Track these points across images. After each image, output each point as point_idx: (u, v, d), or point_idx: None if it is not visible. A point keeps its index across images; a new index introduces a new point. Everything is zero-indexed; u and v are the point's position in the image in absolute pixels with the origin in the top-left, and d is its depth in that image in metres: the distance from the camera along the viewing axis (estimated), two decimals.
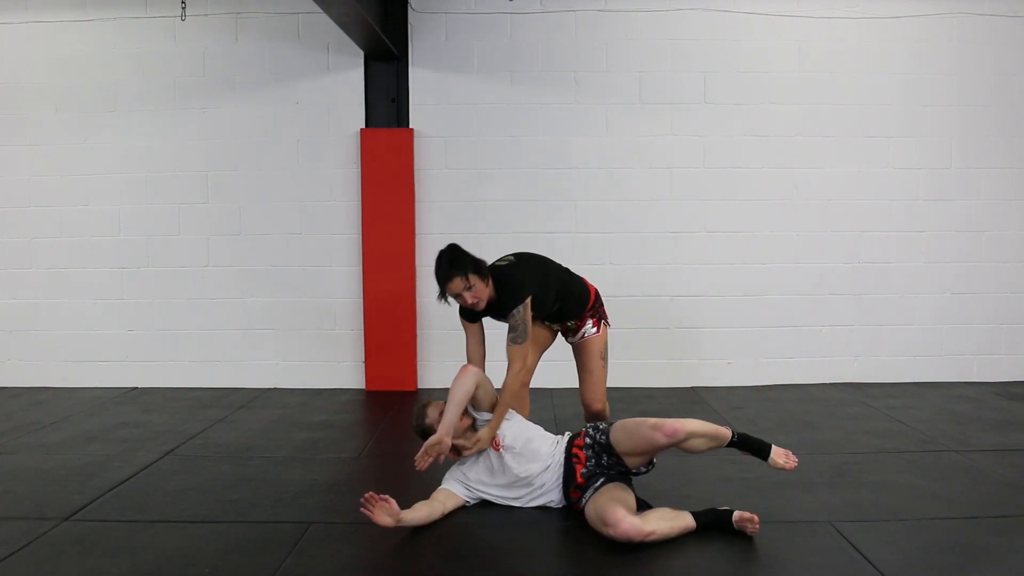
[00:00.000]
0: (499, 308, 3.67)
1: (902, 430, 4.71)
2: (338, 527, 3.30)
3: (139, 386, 6.07)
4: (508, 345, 3.59)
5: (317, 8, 5.16)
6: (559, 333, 4.08)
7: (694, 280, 5.98)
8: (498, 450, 3.42)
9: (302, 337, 6.04)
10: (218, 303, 6.05)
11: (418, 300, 5.95)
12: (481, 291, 3.58)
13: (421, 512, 3.25)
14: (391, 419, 5.16)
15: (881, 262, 6.00)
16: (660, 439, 3.16)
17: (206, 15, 5.96)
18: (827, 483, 3.73)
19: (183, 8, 5.64)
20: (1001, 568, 2.87)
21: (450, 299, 3.67)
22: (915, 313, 6.03)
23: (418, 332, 5.97)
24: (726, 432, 3.28)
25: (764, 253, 5.99)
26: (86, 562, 2.96)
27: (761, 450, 3.32)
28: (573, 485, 3.35)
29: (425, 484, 3.91)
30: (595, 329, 3.94)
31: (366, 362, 5.95)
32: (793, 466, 3.32)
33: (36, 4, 6.03)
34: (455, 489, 3.46)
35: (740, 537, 3.14)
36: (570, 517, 3.37)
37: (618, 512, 3.04)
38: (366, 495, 3.07)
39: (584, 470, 3.33)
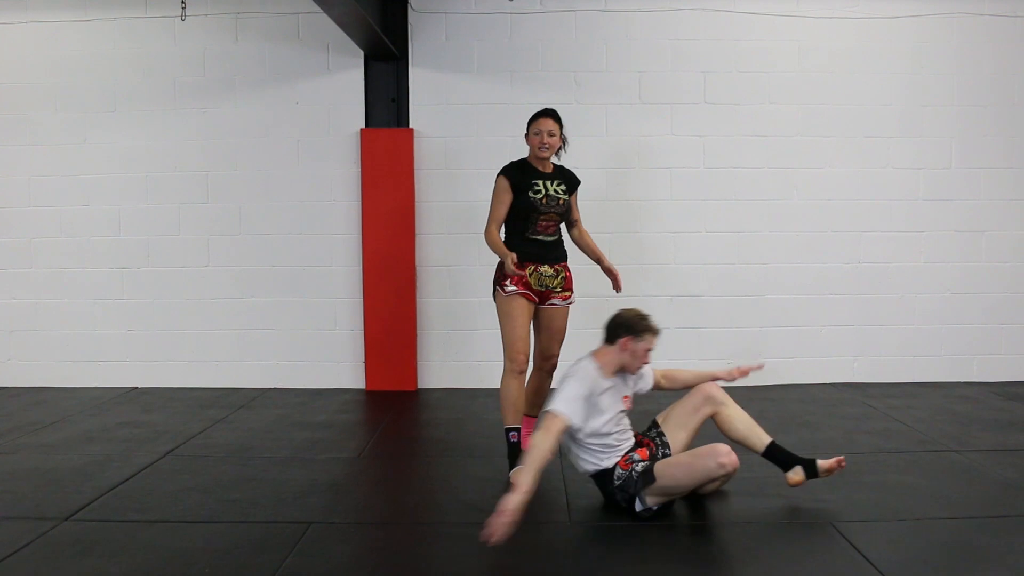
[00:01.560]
0: (559, 177, 4.11)
1: (902, 430, 4.71)
2: (338, 527, 3.31)
3: (139, 386, 6.07)
4: (575, 210, 4.27)
5: (317, 8, 5.16)
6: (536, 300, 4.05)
7: (694, 280, 5.98)
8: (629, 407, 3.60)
9: (302, 337, 6.04)
10: (218, 303, 6.05)
11: (418, 300, 5.95)
12: (557, 143, 4.05)
13: (537, 467, 3.09)
14: (391, 419, 5.17)
15: (881, 262, 6.00)
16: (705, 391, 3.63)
17: (206, 15, 5.96)
18: (827, 483, 3.72)
19: (183, 8, 5.63)
20: (1001, 568, 2.87)
21: (530, 134, 4.03)
22: (915, 313, 6.02)
23: (418, 332, 5.97)
24: (763, 437, 3.59)
25: (764, 253, 5.99)
26: (86, 562, 2.96)
27: (798, 464, 3.55)
28: (641, 446, 3.54)
29: (425, 484, 3.93)
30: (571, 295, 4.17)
31: (366, 362, 5.95)
32: (839, 465, 3.53)
33: (36, 4, 6.03)
34: (573, 409, 3.29)
35: (740, 537, 3.14)
36: (572, 519, 3.37)
37: (723, 445, 3.27)
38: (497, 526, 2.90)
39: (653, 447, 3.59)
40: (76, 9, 6.01)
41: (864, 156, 5.97)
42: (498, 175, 4.04)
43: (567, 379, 3.43)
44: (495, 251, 3.98)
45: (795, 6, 5.94)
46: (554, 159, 4.16)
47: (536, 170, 4.06)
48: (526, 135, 4.08)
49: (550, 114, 4.04)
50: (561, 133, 4.06)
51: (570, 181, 4.18)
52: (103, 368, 6.09)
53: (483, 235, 4.03)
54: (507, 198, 4.00)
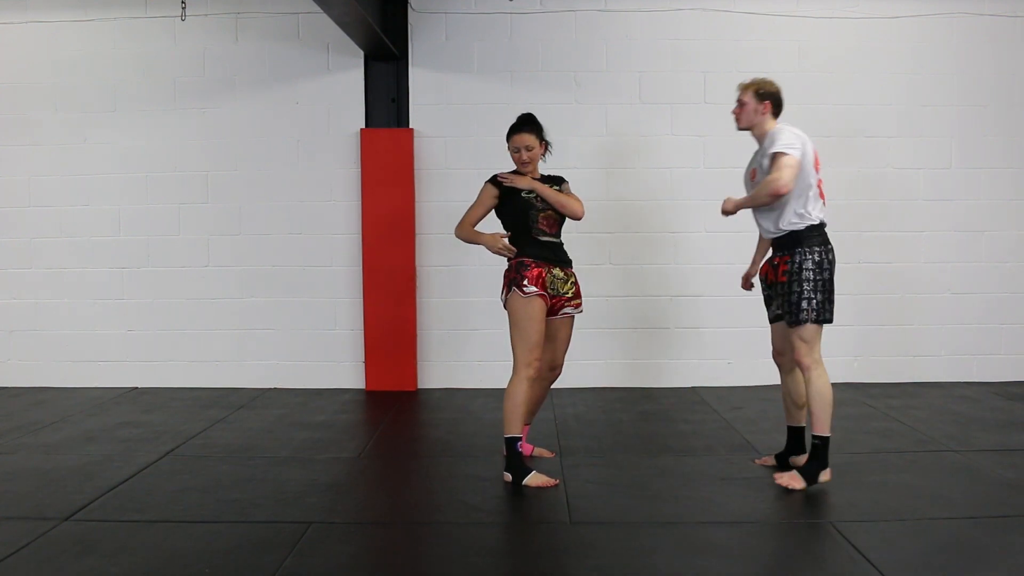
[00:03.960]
0: (547, 183, 4.02)
1: (902, 430, 4.71)
2: (338, 527, 3.30)
3: (139, 386, 6.07)
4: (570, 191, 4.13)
5: (317, 8, 5.16)
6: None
7: (694, 280, 5.98)
8: None
9: (302, 337, 6.04)
10: (218, 303, 6.05)
11: (418, 300, 5.95)
12: (536, 156, 4.01)
13: None
14: (391, 419, 5.17)
15: (881, 262, 6.00)
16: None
17: (206, 15, 5.96)
18: (827, 483, 3.72)
19: (183, 8, 5.63)
20: (1001, 568, 2.87)
21: (510, 150, 4.02)
22: (915, 313, 6.02)
23: (418, 332, 5.97)
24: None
25: None
26: (86, 562, 2.96)
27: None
28: None
29: (425, 484, 3.93)
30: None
31: (366, 362, 5.95)
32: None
33: (36, 4, 6.03)
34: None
35: (740, 537, 3.14)
36: (572, 519, 3.37)
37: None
38: None
39: None
40: (76, 9, 6.01)
41: (864, 156, 5.96)
42: (486, 182, 4.04)
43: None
44: (471, 240, 4.01)
45: (795, 6, 5.94)
46: (542, 167, 4.12)
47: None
48: (508, 149, 4.05)
49: (524, 127, 3.98)
50: (542, 138, 4.01)
51: (557, 182, 4.10)
52: (103, 368, 6.09)
53: (454, 235, 4.06)
54: (488, 204, 4.01)
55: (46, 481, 3.87)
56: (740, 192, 6.02)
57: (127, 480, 3.89)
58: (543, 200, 3.95)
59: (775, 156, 3.65)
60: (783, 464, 3.96)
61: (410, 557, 3.06)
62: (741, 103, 3.94)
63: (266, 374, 6.05)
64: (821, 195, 3.79)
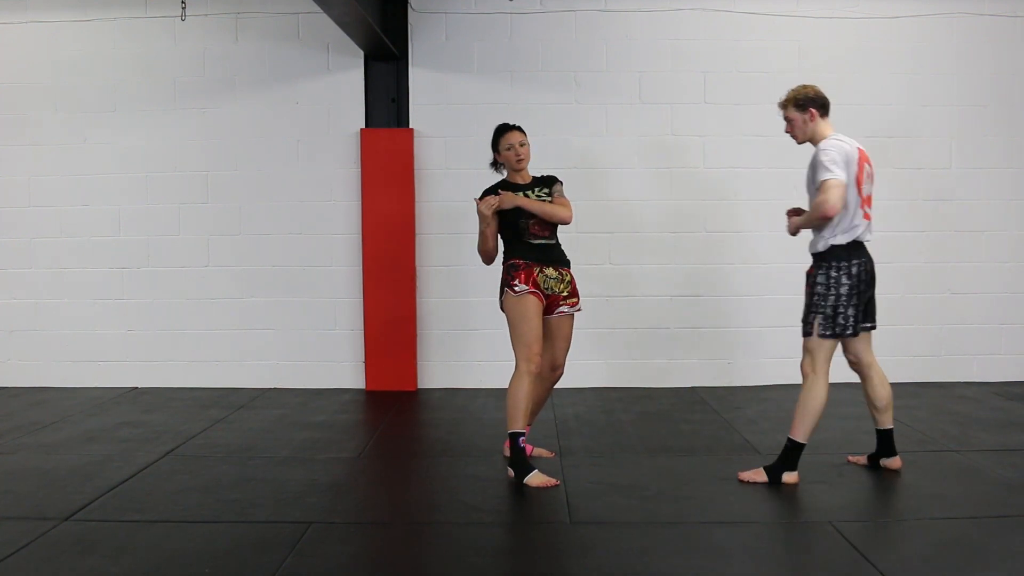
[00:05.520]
0: (538, 185, 4.08)
1: (902, 430, 4.69)
2: (338, 527, 3.30)
3: (139, 386, 6.07)
4: (562, 198, 4.08)
5: (317, 8, 5.16)
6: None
7: (694, 280, 5.98)
8: None
9: (302, 337, 6.04)
10: (218, 303, 6.05)
11: (418, 300, 5.95)
12: (528, 152, 4.09)
13: None
14: (391, 419, 5.17)
15: (882, 262, 5.92)
16: None
17: (206, 15, 5.96)
18: (827, 483, 3.73)
19: (183, 8, 5.63)
20: (1001, 568, 2.87)
21: (502, 151, 4.09)
22: (915, 313, 6.02)
23: (418, 332, 5.97)
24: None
25: (764, 253, 5.98)
26: (86, 562, 2.96)
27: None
28: None
29: (425, 484, 3.93)
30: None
31: (366, 362, 5.95)
32: None
33: (36, 4, 6.03)
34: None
35: (740, 537, 3.14)
36: (572, 519, 3.37)
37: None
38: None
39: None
40: (76, 9, 6.01)
41: None
42: (476, 200, 4.04)
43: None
44: (485, 235, 3.99)
45: (795, 6, 5.94)
46: (539, 168, 4.16)
47: (515, 185, 4.08)
48: (496, 155, 4.13)
49: (511, 126, 4.12)
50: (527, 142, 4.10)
51: (548, 183, 4.11)
52: (103, 368, 6.09)
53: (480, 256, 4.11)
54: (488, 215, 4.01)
55: (46, 481, 3.87)
56: (742, 192, 6.05)
57: (127, 480, 3.89)
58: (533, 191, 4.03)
59: (822, 183, 3.64)
60: (875, 464, 3.98)
61: (410, 557, 3.07)
62: (788, 120, 3.93)
63: (266, 374, 6.05)
64: (866, 215, 3.80)
